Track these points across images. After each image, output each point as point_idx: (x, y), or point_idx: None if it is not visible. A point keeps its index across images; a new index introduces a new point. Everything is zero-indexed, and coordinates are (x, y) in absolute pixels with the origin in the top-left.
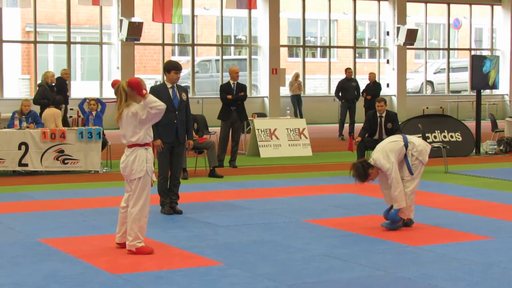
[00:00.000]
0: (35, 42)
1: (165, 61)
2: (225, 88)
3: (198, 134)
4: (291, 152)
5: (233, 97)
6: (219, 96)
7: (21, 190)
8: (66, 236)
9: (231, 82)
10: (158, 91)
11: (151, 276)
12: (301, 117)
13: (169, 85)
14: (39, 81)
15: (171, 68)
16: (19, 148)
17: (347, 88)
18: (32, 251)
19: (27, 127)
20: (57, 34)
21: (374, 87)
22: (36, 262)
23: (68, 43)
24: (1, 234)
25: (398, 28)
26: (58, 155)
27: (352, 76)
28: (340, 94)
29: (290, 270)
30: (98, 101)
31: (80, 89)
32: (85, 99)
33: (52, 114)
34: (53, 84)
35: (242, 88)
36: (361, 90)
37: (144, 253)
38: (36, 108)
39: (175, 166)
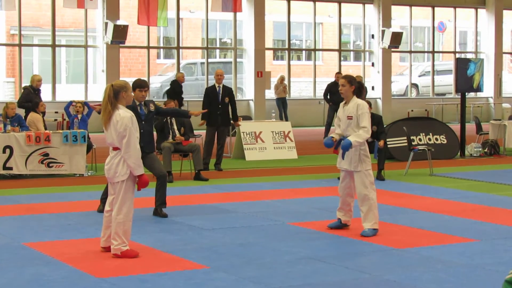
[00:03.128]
0: (20, 45)
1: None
2: (210, 92)
3: (184, 138)
4: (277, 155)
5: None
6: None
7: (5, 194)
8: (51, 239)
9: (216, 85)
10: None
11: (136, 280)
12: (287, 120)
13: (137, 103)
14: (24, 84)
15: (136, 86)
16: (4, 152)
17: (335, 91)
18: (16, 255)
19: (12, 131)
20: (42, 37)
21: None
22: (21, 266)
23: (53, 46)
24: None
25: (383, 31)
26: (43, 158)
27: None
28: (328, 96)
29: (275, 273)
30: (85, 104)
31: (65, 92)
32: (71, 102)
33: (32, 119)
34: (38, 88)
35: (228, 91)
36: None
37: (129, 256)
38: (22, 112)
39: (156, 168)
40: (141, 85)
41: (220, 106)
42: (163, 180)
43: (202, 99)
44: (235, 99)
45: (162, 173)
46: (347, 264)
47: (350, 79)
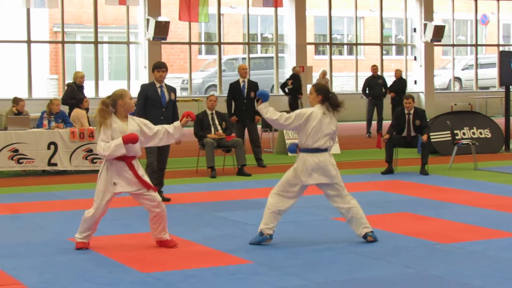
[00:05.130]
0: (62, 42)
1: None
2: (234, 87)
3: (226, 133)
4: None
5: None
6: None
7: (50, 190)
8: (96, 235)
9: (241, 80)
10: (146, 88)
11: (181, 275)
12: None
13: (157, 84)
14: (67, 81)
15: (154, 67)
16: (48, 148)
17: (373, 85)
18: (62, 250)
19: (56, 127)
20: (85, 34)
21: (398, 83)
22: (67, 261)
23: (96, 42)
24: (31, 233)
25: (425, 25)
26: (87, 154)
27: (379, 73)
28: (367, 91)
29: (319, 268)
30: None
31: (108, 88)
32: None
33: (76, 115)
34: (82, 85)
35: (253, 86)
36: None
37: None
38: (66, 109)
39: (162, 157)
40: (158, 66)
41: (245, 101)
42: (162, 170)
43: None
44: (275, 94)
45: (163, 166)
46: (391, 259)
47: (317, 89)
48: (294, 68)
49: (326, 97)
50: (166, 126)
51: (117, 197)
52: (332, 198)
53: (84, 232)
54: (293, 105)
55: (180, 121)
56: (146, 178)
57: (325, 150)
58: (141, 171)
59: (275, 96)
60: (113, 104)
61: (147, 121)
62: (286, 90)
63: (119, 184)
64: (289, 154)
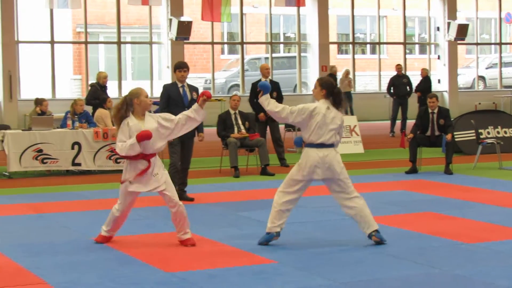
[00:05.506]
0: (86, 43)
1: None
2: (256, 87)
3: (249, 132)
4: (343, 149)
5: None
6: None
7: (74, 190)
8: (120, 234)
9: (263, 79)
10: (168, 88)
11: (205, 275)
12: (352, 114)
13: (179, 84)
14: (90, 81)
15: (175, 67)
16: (72, 148)
17: (398, 84)
18: (86, 250)
19: (80, 127)
20: (108, 34)
21: (425, 82)
22: (91, 260)
23: (119, 43)
24: (56, 233)
25: (449, 23)
26: (110, 154)
27: (403, 72)
28: (391, 90)
29: (344, 268)
30: (154, 103)
31: (131, 89)
32: None
33: (100, 114)
34: (105, 85)
35: (275, 86)
36: (413, 86)
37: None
38: (89, 109)
39: (186, 157)
40: (179, 66)
41: None
42: (186, 170)
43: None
44: (298, 93)
45: (187, 166)
46: (416, 259)
47: (321, 83)
48: (332, 68)
49: (331, 92)
50: (185, 112)
51: (141, 196)
52: (336, 194)
53: (107, 226)
54: None
55: (198, 102)
56: (162, 177)
57: (331, 145)
58: (158, 170)
59: (298, 95)
60: (130, 103)
61: (167, 114)
62: None
63: (135, 183)
64: (295, 147)
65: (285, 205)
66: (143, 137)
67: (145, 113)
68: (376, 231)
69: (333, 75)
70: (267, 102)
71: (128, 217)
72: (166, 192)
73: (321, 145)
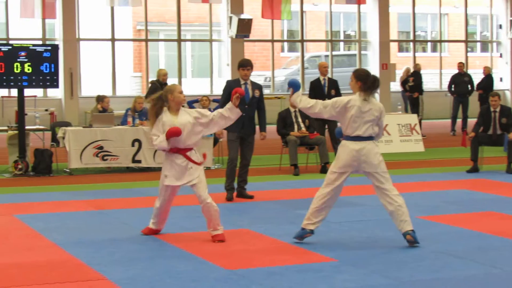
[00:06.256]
0: (146, 40)
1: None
2: (315, 85)
3: (309, 131)
4: (403, 148)
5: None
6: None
7: (135, 186)
8: (180, 231)
9: (321, 77)
10: (231, 84)
11: (265, 272)
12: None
13: (242, 81)
14: (150, 79)
15: (239, 65)
16: (132, 145)
17: (459, 82)
18: (146, 246)
19: (140, 124)
20: (168, 32)
21: (487, 80)
22: (151, 257)
23: (179, 40)
24: (116, 229)
25: (511, 21)
26: None
27: (464, 70)
28: (452, 88)
29: (404, 267)
30: (213, 101)
31: (191, 86)
32: (197, 100)
33: None
34: (165, 82)
35: (334, 84)
36: (475, 85)
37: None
38: None
39: (246, 154)
40: (243, 64)
41: (326, 99)
42: (246, 167)
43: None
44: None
45: (247, 163)
46: (477, 258)
47: (356, 75)
48: (416, 66)
49: (365, 82)
50: (220, 110)
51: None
52: (376, 188)
53: (153, 219)
54: (414, 102)
55: (231, 101)
56: (196, 171)
57: (368, 138)
58: (193, 164)
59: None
60: (165, 99)
61: (202, 110)
62: (407, 87)
63: (169, 177)
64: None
65: (321, 198)
66: (172, 133)
67: (179, 108)
68: (412, 230)
69: (417, 72)
70: (299, 100)
71: (187, 214)
72: (195, 188)
73: (357, 138)
